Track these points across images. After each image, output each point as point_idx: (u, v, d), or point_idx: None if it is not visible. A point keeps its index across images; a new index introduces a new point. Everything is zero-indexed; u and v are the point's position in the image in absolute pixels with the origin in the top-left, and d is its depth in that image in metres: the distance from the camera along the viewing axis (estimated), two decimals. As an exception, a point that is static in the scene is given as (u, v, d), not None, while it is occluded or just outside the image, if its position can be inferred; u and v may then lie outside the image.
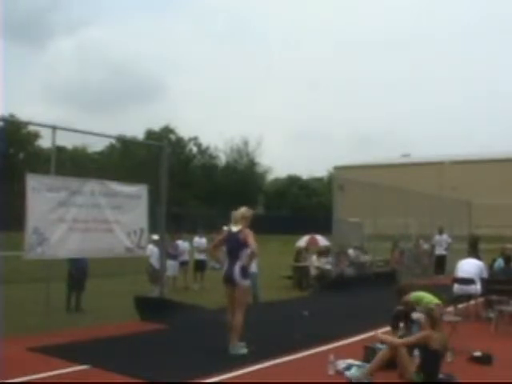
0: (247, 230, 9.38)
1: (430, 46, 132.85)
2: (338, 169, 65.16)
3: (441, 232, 24.31)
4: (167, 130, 77.02)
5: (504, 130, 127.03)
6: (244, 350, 9.17)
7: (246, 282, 9.44)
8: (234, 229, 9.55)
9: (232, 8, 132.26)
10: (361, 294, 16.94)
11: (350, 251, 20.77)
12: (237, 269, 9.24)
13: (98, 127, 66.05)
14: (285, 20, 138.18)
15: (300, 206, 78.57)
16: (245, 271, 9.31)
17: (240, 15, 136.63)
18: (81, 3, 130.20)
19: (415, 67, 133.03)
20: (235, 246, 9.35)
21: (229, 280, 9.31)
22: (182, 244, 18.83)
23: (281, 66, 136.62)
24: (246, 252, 9.24)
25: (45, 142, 57.31)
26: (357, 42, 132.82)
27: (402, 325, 9.56)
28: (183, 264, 18.81)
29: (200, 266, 19.32)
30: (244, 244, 9.23)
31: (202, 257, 19.47)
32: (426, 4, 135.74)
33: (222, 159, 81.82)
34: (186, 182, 65.60)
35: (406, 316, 9.62)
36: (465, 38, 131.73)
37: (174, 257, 17.72)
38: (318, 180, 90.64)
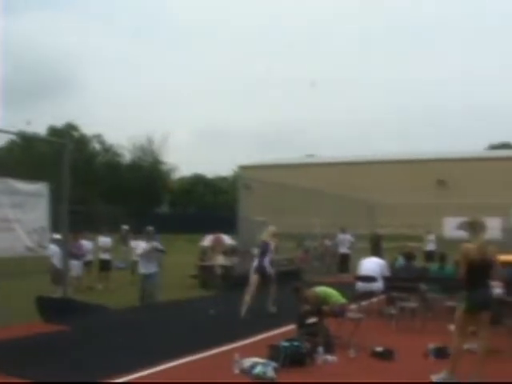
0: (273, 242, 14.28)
1: (342, 48, 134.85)
2: (243, 168, 65.30)
3: (344, 231, 24.73)
4: (70, 127, 75.38)
5: (401, 132, 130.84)
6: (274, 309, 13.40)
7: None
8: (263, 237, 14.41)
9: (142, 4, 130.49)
10: (266, 292, 17.01)
11: (255, 250, 20.84)
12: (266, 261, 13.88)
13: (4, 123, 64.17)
14: (198, 13, 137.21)
15: (206, 204, 78.50)
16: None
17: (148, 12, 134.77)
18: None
19: (322, 69, 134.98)
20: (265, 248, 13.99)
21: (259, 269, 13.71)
22: (86, 243, 18.48)
23: (190, 63, 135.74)
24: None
25: None
26: (272, 40, 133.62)
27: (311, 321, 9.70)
28: (87, 264, 18.47)
29: (105, 265, 19.01)
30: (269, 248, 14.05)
31: (106, 256, 19.18)
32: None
33: (127, 157, 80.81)
34: (89, 180, 64.35)
35: (315, 313, 9.78)
36: (369, 44, 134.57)
37: (78, 256, 17.35)
38: (224, 179, 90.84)
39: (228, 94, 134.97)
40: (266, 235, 14.35)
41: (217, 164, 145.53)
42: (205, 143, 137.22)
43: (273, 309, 13.54)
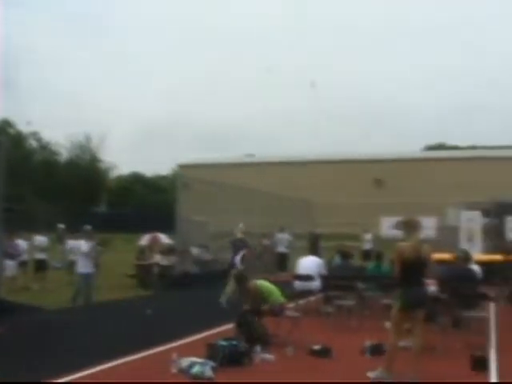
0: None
1: (276, 48, 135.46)
2: (182, 167, 64.95)
3: (282, 230, 24.86)
4: (6, 124, 73.73)
5: (341, 132, 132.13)
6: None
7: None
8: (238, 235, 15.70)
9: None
10: (204, 292, 17.04)
11: (194, 249, 20.83)
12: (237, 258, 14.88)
13: None
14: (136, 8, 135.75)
15: (145, 203, 77.82)
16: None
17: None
18: None
19: (262, 70, 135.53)
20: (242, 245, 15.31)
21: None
22: (22, 243, 18.14)
23: (129, 61, 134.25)
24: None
25: None
26: (200, 39, 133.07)
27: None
28: (22, 264, 18.12)
29: (41, 265, 18.68)
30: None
31: (42, 256, 18.85)
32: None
33: (65, 155, 79.45)
34: (25, 178, 63.07)
35: (254, 312, 9.81)
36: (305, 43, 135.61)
37: (13, 256, 17.01)
38: (163, 178, 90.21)
39: (168, 93, 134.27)
40: (239, 233, 15.25)
41: (156, 163, 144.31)
42: (144, 141, 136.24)
43: (225, 303, 14.00)
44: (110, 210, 78.29)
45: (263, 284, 10.28)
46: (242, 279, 10.51)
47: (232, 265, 15.11)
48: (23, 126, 75.33)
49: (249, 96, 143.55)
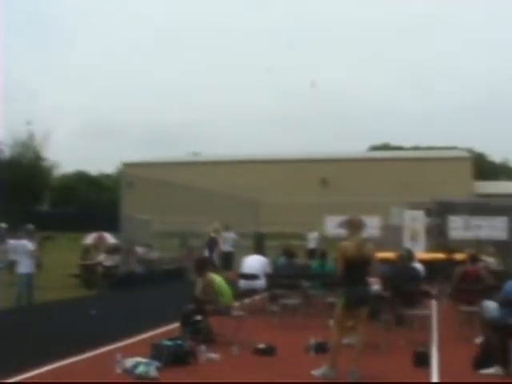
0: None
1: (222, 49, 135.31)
2: (127, 165, 64.34)
3: (227, 229, 24.83)
4: None
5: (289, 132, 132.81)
6: None
7: None
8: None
9: None
10: (149, 291, 16.96)
11: (139, 248, 20.66)
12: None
13: None
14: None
15: (90, 202, 76.83)
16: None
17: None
18: None
19: (210, 69, 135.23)
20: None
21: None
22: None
23: (75, 58, 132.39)
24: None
25: None
26: (149, 39, 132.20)
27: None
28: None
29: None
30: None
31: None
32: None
33: (6, 153, 77.88)
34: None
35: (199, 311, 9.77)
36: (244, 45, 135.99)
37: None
38: (107, 176, 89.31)
39: (114, 91, 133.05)
40: (212, 231, 14.93)
41: (101, 161, 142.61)
42: (89, 139, 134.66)
43: None
44: (54, 208, 77.19)
45: (218, 281, 10.19)
46: (204, 263, 10.49)
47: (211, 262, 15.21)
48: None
49: (195, 95, 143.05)
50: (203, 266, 10.49)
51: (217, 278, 10.23)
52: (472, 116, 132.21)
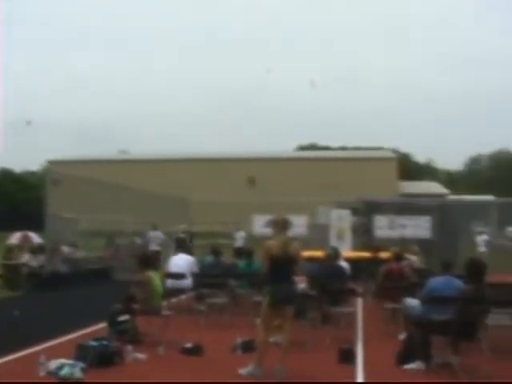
0: None
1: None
2: (52, 163, 63.11)
3: (154, 228, 24.67)
4: None
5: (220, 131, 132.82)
6: None
7: None
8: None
9: None
10: (75, 291, 16.72)
11: (64, 248, 20.33)
12: None
13: None
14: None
15: (15, 201, 75.06)
16: None
17: None
18: None
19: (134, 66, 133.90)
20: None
21: None
22: None
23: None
24: None
25: None
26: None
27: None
28: None
29: None
30: None
31: None
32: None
33: None
34: None
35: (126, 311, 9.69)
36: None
37: None
38: (32, 174, 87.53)
39: (43, 86, 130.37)
40: (180, 233, 15.35)
41: (26, 158, 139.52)
42: (14, 135, 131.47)
43: None
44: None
45: (155, 283, 10.06)
46: (147, 262, 10.36)
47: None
48: None
49: (122, 95, 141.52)
50: (147, 262, 10.37)
51: (156, 279, 10.13)
52: (398, 117, 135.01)
